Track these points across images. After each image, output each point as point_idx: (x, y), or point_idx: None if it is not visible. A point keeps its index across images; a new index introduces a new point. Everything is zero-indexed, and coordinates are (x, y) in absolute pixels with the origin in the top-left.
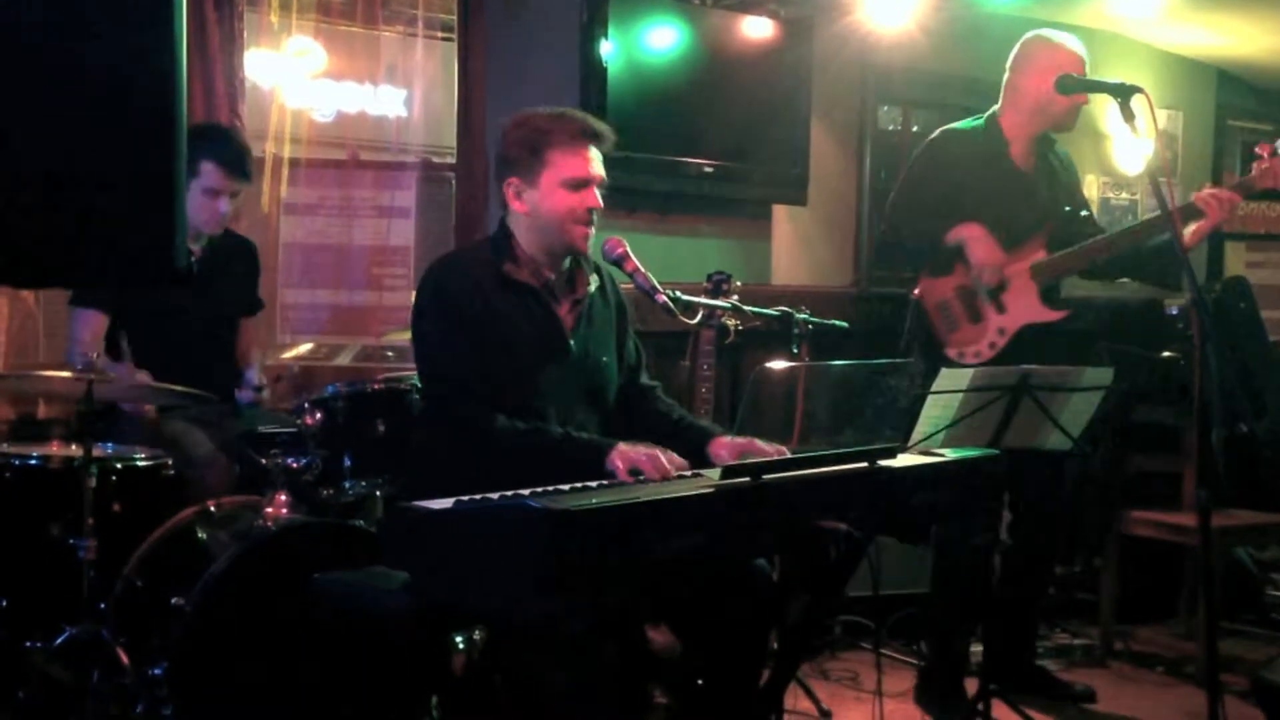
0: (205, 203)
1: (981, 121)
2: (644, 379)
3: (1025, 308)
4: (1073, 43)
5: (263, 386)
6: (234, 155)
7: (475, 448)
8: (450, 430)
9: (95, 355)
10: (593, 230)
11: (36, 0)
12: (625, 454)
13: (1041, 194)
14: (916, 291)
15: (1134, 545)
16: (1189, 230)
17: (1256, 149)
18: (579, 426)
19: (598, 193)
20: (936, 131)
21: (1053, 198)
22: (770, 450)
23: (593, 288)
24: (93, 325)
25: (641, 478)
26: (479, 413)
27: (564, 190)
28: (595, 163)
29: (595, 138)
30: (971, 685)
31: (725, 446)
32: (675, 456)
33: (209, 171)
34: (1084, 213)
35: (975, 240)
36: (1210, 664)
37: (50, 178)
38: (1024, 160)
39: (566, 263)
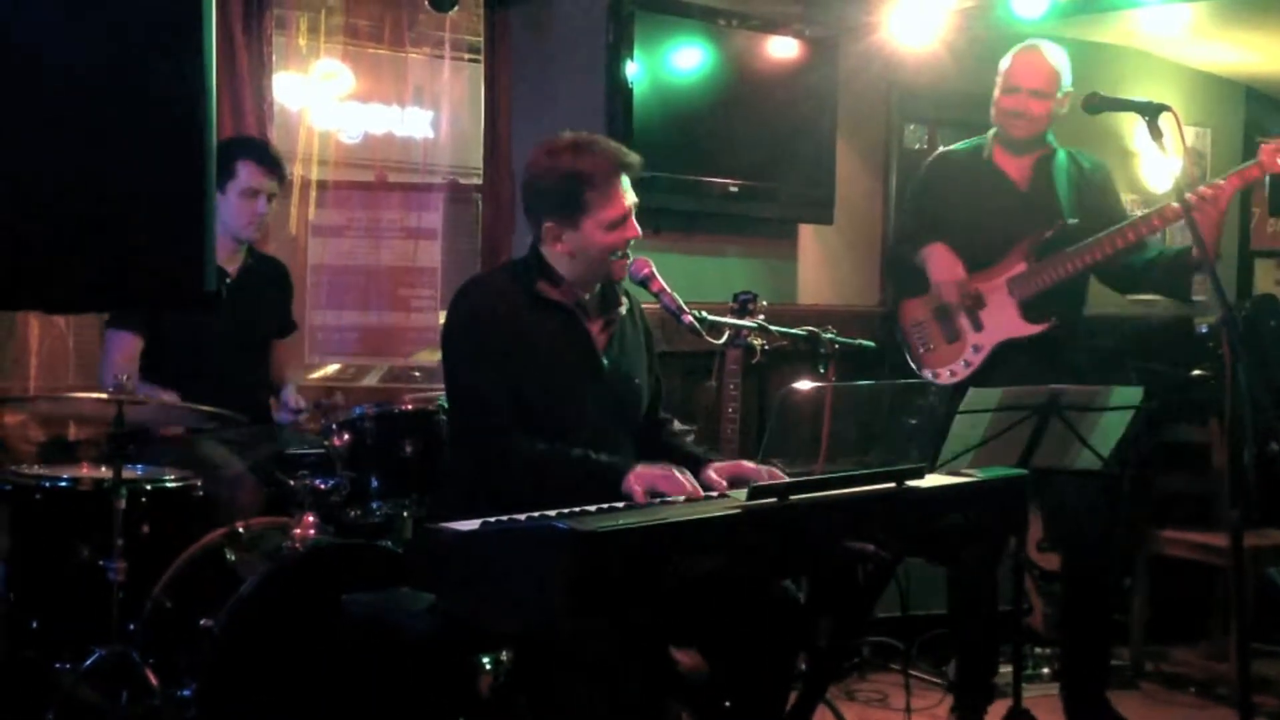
0: (244, 205)
1: (980, 140)
2: (659, 411)
3: (1002, 323)
4: (1031, 53)
5: (301, 410)
6: (268, 154)
7: (495, 467)
8: (472, 451)
9: (127, 377)
10: (630, 259)
11: (66, 28)
12: (642, 476)
13: (1030, 207)
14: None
15: (1165, 565)
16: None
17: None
18: (612, 445)
19: (634, 220)
20: (932, 154)
21: (1043, 210)
22: (762, 472)
23: (623, 310)
24: (128, 347)
25: (660, 500)
26: (499, 433)
27: (607, 231)
28: (629, 193)
29: (626, 168)
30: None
31: (715, 470)
32: (690, 476)
33: (247, 171)
34: (1072, 220)
35: (934, 258)
36: (1243, 685)
37: (80, 203)
38: (1019, 173)
39: (599, 285)
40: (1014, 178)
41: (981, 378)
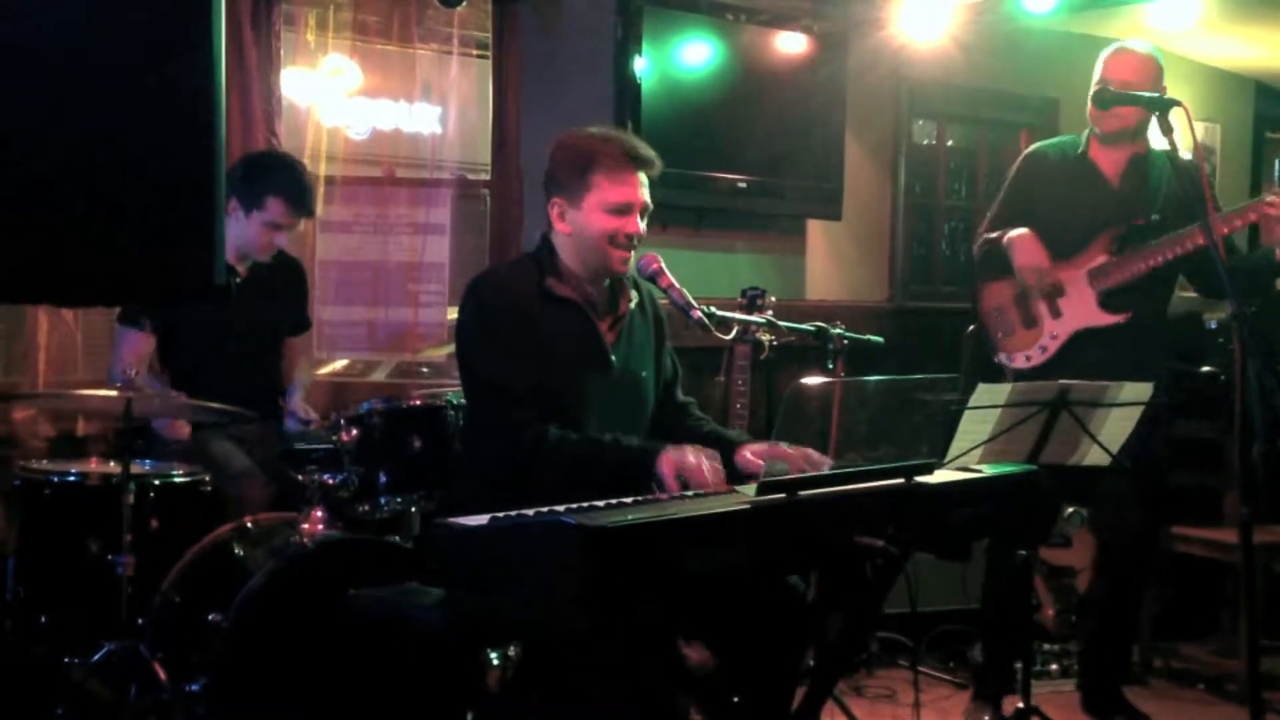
0: (263, 234)
1: (1074, 137)
2: (679, 395)
3: (1080, 313)
4: (1121, 53)
5: (310, 421)
6: (301, 192)
7: (527, 456)
8: (502, 440)
9: (135, 372)
10: (632, 255)
11: (76, 24)
12: (673, 460)
13: (1121, 202)
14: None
15: (1175, 562)
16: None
17: None
18: None
19: (641, 219)
20: (1024, 153)
21: (1132, 205)
22: (794, 454)
23: (633, 304)
24: (137, 345)
25: (688, 494)
26: (530, 423)
27: (605, 214)
28: (640, 189)
29: (642, 163)
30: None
31: (751, 451)
32: (718, 463)
33: (275, 207)
34: (1155, 217)
35: (1019, 243)
36: (1252, 682)
37: (89, 197)
38: (1113, 168)
39: (607, 280)
40: (1107, 173)
41: (1056, 365)
